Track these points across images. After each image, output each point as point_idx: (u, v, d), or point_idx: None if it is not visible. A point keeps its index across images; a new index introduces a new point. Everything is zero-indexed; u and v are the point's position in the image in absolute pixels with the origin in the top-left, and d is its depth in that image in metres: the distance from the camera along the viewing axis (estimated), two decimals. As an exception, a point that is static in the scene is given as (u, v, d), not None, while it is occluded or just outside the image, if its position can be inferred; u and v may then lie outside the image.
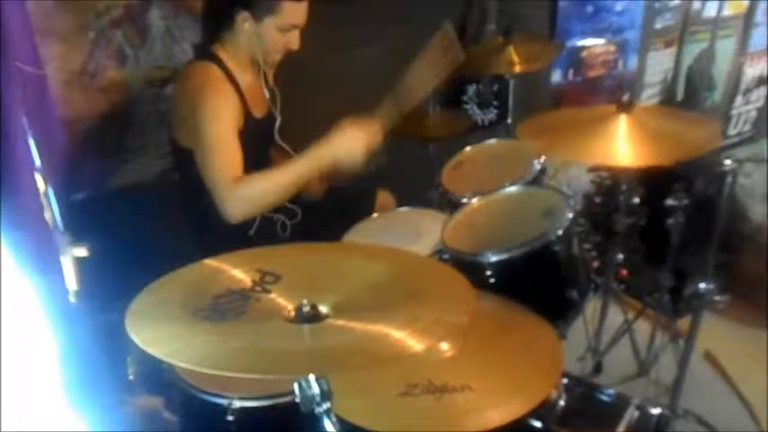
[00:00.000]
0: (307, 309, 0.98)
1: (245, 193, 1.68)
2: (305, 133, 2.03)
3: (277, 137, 1.98)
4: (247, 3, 1.77)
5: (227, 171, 1.68)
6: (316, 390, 0.96)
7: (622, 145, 1.59)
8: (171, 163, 2.28)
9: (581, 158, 2.12)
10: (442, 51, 1.83)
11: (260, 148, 1.89)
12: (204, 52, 1.84)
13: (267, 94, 1.94)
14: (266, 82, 1.96)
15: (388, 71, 2.55)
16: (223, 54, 1.83)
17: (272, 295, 1.02)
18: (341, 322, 0.97)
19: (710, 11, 3.30)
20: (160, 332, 0.94)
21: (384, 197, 2.26)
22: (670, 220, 1.90)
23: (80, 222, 1.82)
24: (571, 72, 3.12)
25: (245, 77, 1.87)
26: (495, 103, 2.92)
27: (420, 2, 2.59)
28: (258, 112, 1.92)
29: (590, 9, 3.04)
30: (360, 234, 1.98)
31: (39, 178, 1.49)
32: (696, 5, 3.29)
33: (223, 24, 1.82)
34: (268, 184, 1.70)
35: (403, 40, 2.57)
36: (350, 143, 1.75)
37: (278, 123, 1.97)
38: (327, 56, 2.05)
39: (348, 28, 2.33)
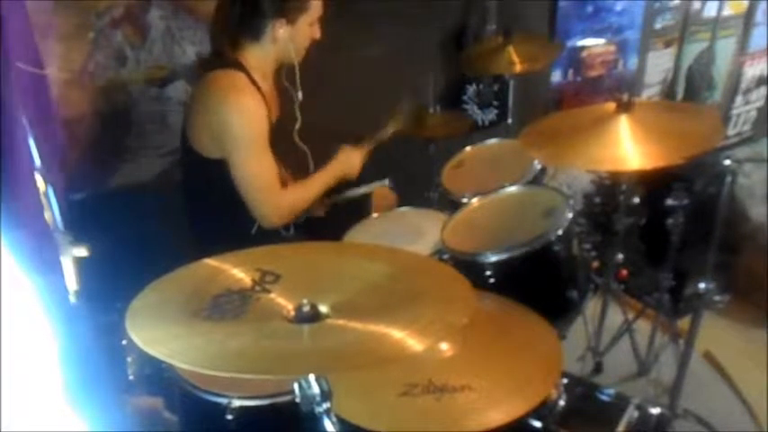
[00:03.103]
0: (307, 309, 0.97)
1: (289, 202, 1.89)
2: (306, 132, 2.03)
3: (296, 137, 1.99)
4: (282, 11, 1.78)
5: (271, 181, 1.84)
6: (316, 390, 0.97)
7: (626, 148, 1.57)
8: (171, 163, 2.28)
9: (586, 166, 2.11)
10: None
11: (274, 154, 1.90)
12: (226, 61, 1.82)
13: (299, 97, 1.94)
14: (280, 82, 1.96)
15: (387, 71, 2.56)
16: (245, 62, 1.83)
17: (272, 295, 1.02)
18: (341, 322, 0.97)
19: (710, 11, 3.29)
20: (160, 332, 0.94)
21: (384, 197, 2.25)
22: (670, 220, 1.90)
23: (80, 222, 1.82)
24: (571, 72, 3.12)
25: (265, 84, 1.87)
26: (495, 103, 2.92)
27: (420, 2, 2.59)
28: (275, 119, 1.92)
29: (590, 9, 3.04)
30: (360, 234, 1.98)
31: (39, 178, 1.49)
32: (696, 5, 3.29)
33: (248, 35, 1.82)
34: (305, 194, 1.94)
35: (403, 40, 2.57)
36: (351, 160, 2.06)
37: (298, 125, 1.97)
38: (327, 56, 2.05)
39: (348, 28, 2.33)
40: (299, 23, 1.82)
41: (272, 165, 1.83)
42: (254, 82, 1.82)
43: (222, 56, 1.84)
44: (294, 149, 2.02)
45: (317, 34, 1.88)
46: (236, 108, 1.76)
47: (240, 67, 1.81)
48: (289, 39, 1.82)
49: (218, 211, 1.90)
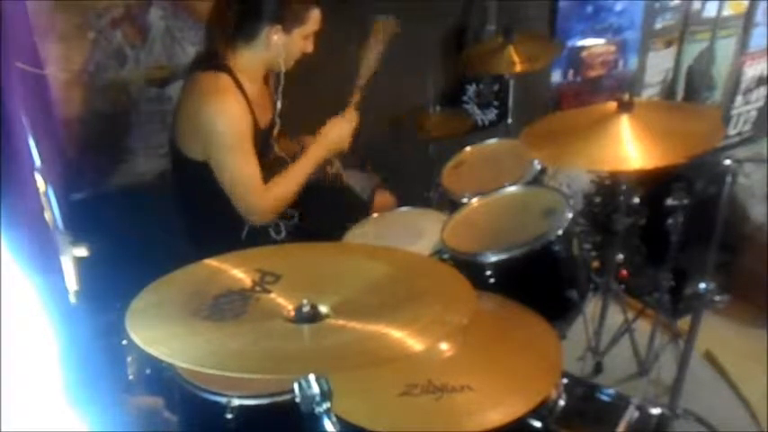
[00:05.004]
0: (307, 309, 0.97)
1: (273, 198, 1.86)
2: (302, 131, 2.04)
3: (274, 143, 1.98)
4: (279, 17, 1.78)
5: (254, 182, 1.82)
6: (316, 390, 0.96)
7: (627, 148, 1.56)
8: (171, 164, 2.28)
9: (586, 166, 2.11)
10: (381, 40, 2.11)
11: (261, 159, 1.89)
12: (214, 62, 1.81)
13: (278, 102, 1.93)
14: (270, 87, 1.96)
15: (387, 70, 2.55)
16: (234, 64, 1.82)
17: (272, 295, 1.02)
18: (341, 322, 0.97)
19: (710, 11, 3.29)
20: (160, 332, 0.94)
21: (384, 197, 2.26)
22: (670, 220, 1.90)
23: (80, 222, 1.82)
24: (571, 72, 3.12)
25: (252, 88, 1.86)
26: (495, 103, 2.92)
27: (419, 2, 2.59)
28: (262, 123, 1.92)
29: (590, 9, 3.04)
30: (360, 234, 1.98)
31: (39, 178, 1.49)
32: (696, 5, 3.29)
33: (242, 36, 1.81)
34: (291, 184, 1.89)
35: (403, 39, 2.57)
36: (338, 131, 1.99)
37: (276, 130, 1.97)
38: (326, 56, 2.05)
39: (347, 27, 2.33)
40: (294, 34, 1.81)
41: (254, 166, 1.83)
42: (239, 85, 1.81)
43: (212, 56, 1.84)
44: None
45: (310, 48, 1.87)
46: (218, 110, 1.75)
47: (227, 69, 1.80)
48: (281, 46, 1.81)
49: (207, 214, 1.90)
